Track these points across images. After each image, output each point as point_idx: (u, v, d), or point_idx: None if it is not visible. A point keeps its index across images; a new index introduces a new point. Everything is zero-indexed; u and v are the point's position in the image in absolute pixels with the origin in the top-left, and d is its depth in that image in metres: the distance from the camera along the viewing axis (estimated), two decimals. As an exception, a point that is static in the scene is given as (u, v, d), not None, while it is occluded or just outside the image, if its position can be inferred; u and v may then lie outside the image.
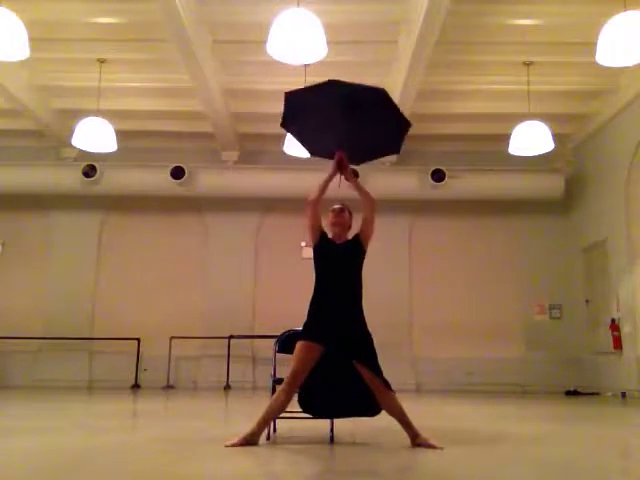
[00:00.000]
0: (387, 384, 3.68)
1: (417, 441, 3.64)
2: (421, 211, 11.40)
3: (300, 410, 3.86)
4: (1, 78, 8.56)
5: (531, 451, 3.65)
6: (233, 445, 3.57)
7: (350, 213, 4.05)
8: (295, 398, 3.81)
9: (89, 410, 6.60)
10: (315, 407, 3.83)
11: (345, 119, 3.99)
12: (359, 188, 4.03)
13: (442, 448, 3.50)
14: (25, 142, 11.26)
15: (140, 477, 2.79)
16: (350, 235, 4.02)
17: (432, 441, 3.60)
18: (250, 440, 3.64)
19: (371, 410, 3.78)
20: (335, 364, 3.75)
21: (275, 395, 3.77)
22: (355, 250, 3.91)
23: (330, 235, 4.00)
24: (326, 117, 4.09)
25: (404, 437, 3.71)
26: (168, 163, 10.69)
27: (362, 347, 3.72)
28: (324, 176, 4.05)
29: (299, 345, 3.74)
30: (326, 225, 4.02)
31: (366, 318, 3.83)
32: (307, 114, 4.09)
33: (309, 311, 3.85)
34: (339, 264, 3.86)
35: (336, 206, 4.02)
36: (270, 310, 10.66)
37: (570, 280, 11.02)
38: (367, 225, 3.96)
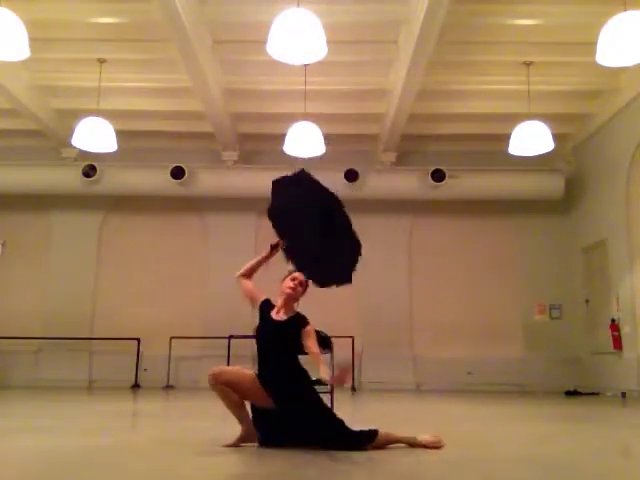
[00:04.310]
0: (361, 442, 3.39)
1: (416, 446, 3.52)
2: (421, 211, 11.39)
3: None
4: (1, 78, 8.56)
5: (531, 451, 3.65)
6: (231, 445, 3.58)
7: (305, 291, 3.79)
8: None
9: (89, 410, 6.60)
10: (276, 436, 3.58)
11: (313, 233, 4.03)
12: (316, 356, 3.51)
13: (442, 446, 3.48)
14: (25, 142, 11.25)
15: (140, 477, 2.79)
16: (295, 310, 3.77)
17: (430, 439, 3.50)
18: (243, 440, 3.63)
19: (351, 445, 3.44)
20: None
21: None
22: (290, 332, 3.61)
23: (275, 301, 3.78)
24: (300, 222, 4.11)
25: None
26: (168, 163, 10.69)
27: (317, 429, 3.45)
28: (257, 257, 4.00)
29: (251, 373, 3.63)
30: (277, 289, 3.80)
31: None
32: (287, 209, 4.11)
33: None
34: (270, 343, 3.65)
35: (298, 275, 3.77)
36: (270, 310, 10.64)
37: (570, 280, 11.02)
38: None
